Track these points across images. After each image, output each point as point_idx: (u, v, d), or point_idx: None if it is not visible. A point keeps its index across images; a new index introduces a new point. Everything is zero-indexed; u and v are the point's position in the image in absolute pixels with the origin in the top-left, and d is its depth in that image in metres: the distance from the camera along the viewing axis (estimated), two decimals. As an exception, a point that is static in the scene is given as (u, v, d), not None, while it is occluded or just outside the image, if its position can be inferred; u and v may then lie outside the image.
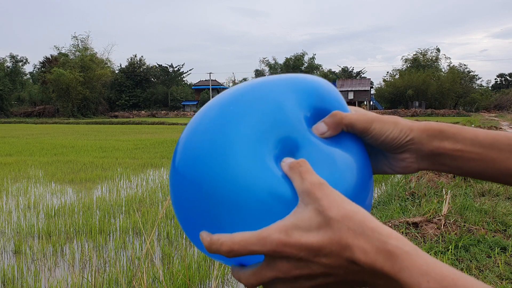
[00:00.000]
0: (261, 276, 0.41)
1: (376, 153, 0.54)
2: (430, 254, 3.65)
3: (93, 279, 3.07)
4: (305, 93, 0.49)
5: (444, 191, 5.47)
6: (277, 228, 0.39)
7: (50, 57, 59.22)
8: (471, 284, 0.35)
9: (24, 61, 59.90)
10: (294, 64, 68.84)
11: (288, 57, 70.09)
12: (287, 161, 0.44)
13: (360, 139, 0.50)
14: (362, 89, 61.13)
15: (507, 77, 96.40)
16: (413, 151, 0.51)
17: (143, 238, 4.49)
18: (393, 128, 0.50)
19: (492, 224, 4.41)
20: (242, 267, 0.43)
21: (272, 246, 0.39)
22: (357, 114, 0.50)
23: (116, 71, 65.41)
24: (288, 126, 0.46)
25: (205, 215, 0.44)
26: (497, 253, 3.65)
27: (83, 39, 56.01)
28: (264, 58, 76.07)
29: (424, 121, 0.51)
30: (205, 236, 0.42)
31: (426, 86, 60.00)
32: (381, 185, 7.30)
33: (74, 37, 56.66)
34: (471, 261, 3.53)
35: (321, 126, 0.48)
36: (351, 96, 60.20)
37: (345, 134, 0.49)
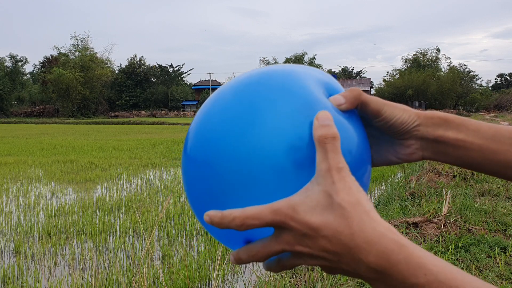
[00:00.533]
0: (270, 248, 0.42)
1: (381, 143, 0.55)
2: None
3: (93, 279, 3.07)
4: (323, 78, 0.52)
5: (444, 191, 5.47)
6: (287, 202, 0.41)
7: (50, 57, 59.21)
8: (469, 280, 0.35)
9: (24, 61, 59.87)
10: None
11: (288, 57, 70.07)
12: (321, 121, 0.44)
13: (362, 124, 0.52)
14: (362, 89, 60.23)
15: (507, 77, 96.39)
16: (418, 138, 0.52)
17: (143, 238, 4.49)
18: (402, 113, 0.51)
19: (492, 224, 4.41)
20: (249, 245, 0.44)
21: (281, 217, 0.40)
22: (371, 96, 0.51)
23: (116, 71, 65.40)
24: (311, 97, 0.47)
25: (217, 195, 0.46)
26: (497, 253, 3.65)
27: (83, 39, 55.95)
28: (264, 58, 76.05)
29: (430, 111, 0.52)
30: (213, 213, 0.42)
31: (426, 86, 59.98)
32: (381, 185, 7.30)
33: (73, 37, 56.60)
34: (471, 261, 3.53)
35: (339, 98, 0.49)
36: (351, 96, 60.18)
37: (355, 117, 0.51)
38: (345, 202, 0.39)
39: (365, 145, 0.51)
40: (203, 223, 0.51)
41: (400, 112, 0.51)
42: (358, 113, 0.52)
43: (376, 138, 0.55)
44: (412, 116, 0.51)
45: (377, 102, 0.51)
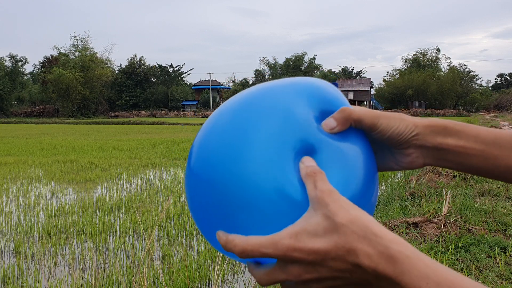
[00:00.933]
0: (273, 277, 0.42)
1: (382, 150, 0.55)
2: (430, 254, 3.65)
3: (93, 279, 3.07)
4: (312, 96, 0.51)
5: (444, 191, 5.47)
6: (288, 233, 0.41)
7: (50, 57, 59.18)
8: (468, 285, 0.36)
9: (24, 61, 59.84)
10: (294, 64, 68.80)
11: (288, 58, 70.03)
12: (306, 163, 0.46)
13: (365, 136, 0.52)
14: (362, 89, 61.11)
15: (507, 77, 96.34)
16: (417, 146, 0.52)
17: (143, 238, 4.49)
18: (399, 124, 0.51)
19: (492, 224, 4.41)
20: (256, 266, 0.45)
21: (283, 251, 0.40)
22: (364, 110, 0.51)
23: (116, 71, 65.38)
24: (300, 128, 0.48)
25: (220, 214, 0.47)
26: (497, 253, 3.65)
27: (82, 39, 55.93)
28: (264, 58, 76.00)
29: (428, 118, 0.52)
30: (221, 235, 0.44)
31: (426, 86, 59.94)
32: (381, 185, 7.30)
33: (73, 37, 56.65)
34: (471, 261, 3.53)
35: (330, 122, 0.49)
36: (351, 96, 60.19)
37: (352, 131, 0.51)
38: (345, 220, 0.40)
39: (371, 158, 0.51)
40: (205, 235, 0.52)
41: (397, 123, 0.51)
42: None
43: (376, 146, 0.55)
44: (410, 126, 0.51)
45: (370, 116, 0.50)
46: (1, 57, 56.22)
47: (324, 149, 0.48)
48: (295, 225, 0.42)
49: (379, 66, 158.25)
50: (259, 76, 73.23)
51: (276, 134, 0.47)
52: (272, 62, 71.85)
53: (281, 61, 71.64)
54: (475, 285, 0.36)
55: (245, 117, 0.49)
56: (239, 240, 0.42)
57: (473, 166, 0.51)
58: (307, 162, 0.46)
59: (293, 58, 70.03)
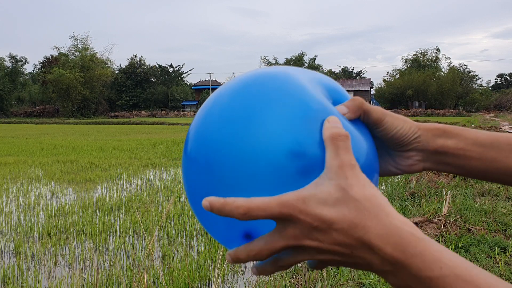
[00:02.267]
0: (274, 245, 0.41)
1: (382, 154, 0.55)
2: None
3: (93, 279, 3.07)
4: (327, 83, 0.52)
5: (444, 191, 5.48)
6: (296, 195, 0.40)
7: (50, 57, 59.22)
8: (483, 276, 0.35)
9: (24, 61, 59.86)
10: (295, 65, 68.89)
11: (289, 58, 70.12)
12: (332, 123, 0.44)
13: (371, 135, 0.52)
14: (362, 89, 61.15)
15: (507, 77, 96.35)
16: (419, 149, 0.53)
17: (143, 238, 4.49)
18: (403, 125, 0.52)
19: (492, 224, 4.41)
20: (250, 242, 0.43)
21: (289, 211, 0.39)
22: (373, 105, 0.52)
23: (116, 71, 65.40)
24: (318, 103, 0.47)
25: (220, 195, 0.44)
26: (497, 253, 3.65)
27: (82, 39, 55.96)
28: (264, 57, 76.04)
29: (429, 122, 0.53)
30: (215, 199, 0.40)
31: (426, 86, 59.97)
32: (381, 185, 7.30)
33: (72, 37, 56.68)
34: (471, 261, 3.53)
35: (342, 108, 0.50)
36: (351, 96, 60.17)
37: (361, 125, 0.51)
38: (360, 196, 0.39)
39: (374, 153, 0.51)
40: (201, 220, 0.50)
41: (401, 124, 0.52)
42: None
43: (377, 149, 0.54)
44: (413, 128, 0.52)
45: (378, 112, 0.51)
46: (1, 57, 56.25)
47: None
48: (304, 189, 0.41)
49: (379, 66, 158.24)
50: (259, 76, 73.07)
51: (292, 104, 0.45)
52: (273, 61, 71.96)
53: (281, 60, 71.77)
54: (488, 275, 0.35)
55: (254, 90, 0.47)
56: (242, 200, 0.40)
57: (473, 169, 0.52)
58: (333, 122, 0.44)
59: (293, 58, 70.12)
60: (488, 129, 19.74)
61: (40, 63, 62.34)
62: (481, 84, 77.47)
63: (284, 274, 3.15)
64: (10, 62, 58.53)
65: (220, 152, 0.45)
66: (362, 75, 78.87)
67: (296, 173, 0.43)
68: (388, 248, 0.37)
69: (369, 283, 3.02)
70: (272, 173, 0.43)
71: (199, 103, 68.19)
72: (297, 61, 69.36)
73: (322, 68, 73.48)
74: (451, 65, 66.74)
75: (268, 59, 72.75)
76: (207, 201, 0.41)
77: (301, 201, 0.39)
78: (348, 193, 0.39)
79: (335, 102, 0.51)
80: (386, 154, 0.55)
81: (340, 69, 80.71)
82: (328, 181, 0.40)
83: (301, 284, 3.08)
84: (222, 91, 0.51)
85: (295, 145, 0.43)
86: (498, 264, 3.44)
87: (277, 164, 0.43)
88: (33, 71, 70.78)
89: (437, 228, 4.22)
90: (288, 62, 69.91)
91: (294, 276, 3.24)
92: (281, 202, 0.39)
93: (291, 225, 0.40)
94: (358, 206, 0.39)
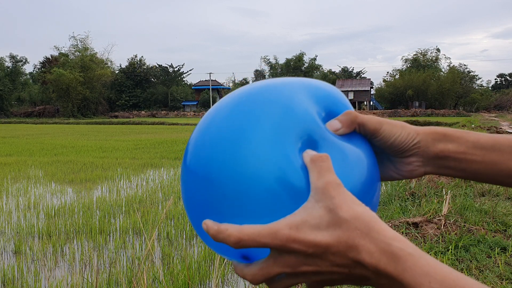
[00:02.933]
0: (268, 271, 0.41)
1: (382, 159, 0.55)
2: (430, 254, 3.65)
3: (93, 279, 3.07)
4: (319, 94, 0.52)
5: (444, 191, 5.48)
6: (287, 223, 0.40)
7: (50, 57, 59.24)
8: (470, 285, 0.36)
9: (24, 61, 59.85)
10: (295, 65, 68.97)
11: (289, 58, 70.24)
12: (310, 152, 0.45)
13: (369, 143, 0.52)
14: (362, 89, 61.12)
15: (507, 77, 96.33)
16: (419, 155, 0.52)
17: (143, 238, 4.49)
18: (401, 131, 0.51)
19: (492, 224, 4.41)
20: (247, 264, 0.44)
21: (282, 241, 0.39)
22: (369, 116, 0.51)
23: (116, 71, 65.39)
24: (304, 121, 0.47)
25: (214, 207, 0.46)
26: (497, 253, 3.65)
27: (82, 39, 55.97)
28: (265, 57, 76.11)
29: (428, 126, 0.53)
30: (211, 224, 0.42)
31: (426, 86, 59.95)
32: (382, 185, 7.30)
33: (72, 37, 56.72)
34: (471, 261, 3.53)
35: (335, 123, 0.50)
36: (351, 96, 60.20)
37: (357, 135, 0.51)
38: (349, 216, 0.39)
39: (374, 164, 0.51)
40: (199, 232, 0.50)
41: (399, 131, 0.51)
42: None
43: (377, 155, 0.55)
44: (412, 134, 0.51)
45: (374, 122, 0.50)
46: (1, 57, 56.25)
47: (328, 148, 0.47)
48: (294, 215, 0.40)
49: (379, 66, 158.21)
50: (259, 76, 73.38)
51: (278, 124, 0.46)
52: (273, 61, 72.07)
53: (282, 60, 71.85)
54: (477, 284, 0.36)
55: (245, 110, 0.48)
56: (234, 229, 0.40)
57: (475, 172, 0.51)
58: (311, 152, 0.45)
59: (294, 58, 70.20)
60: (488, 129, 19.72)
61: (40, 63, 62.40)
62: (481, 84, 77.50)
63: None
64: (10, 62, 58.55)
65: (215, 167, 0.46)
66: (362, 75, 78.81)
67: (287, 196, 0.43)
68: (381, 264, 0.38)
69: None
70: (264, 195, 0.43)
71: (199, 103, 68.22)
72: (297, 61, 69.37)
73: (322, 68, 73.52)
74: (451, 65, 66.83)
75: (269, 59, 72.83)
76: (205, 224, 0.42)
77: (294, 229, 0.39)
78: (337, 214, 0.39)
79: (331, 112, 0.51)
80: (386, 160, 0.55)
81: (340, 69, 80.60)
82: (316, 203, 0.40)
83: (301, 283, 3.07)
84: (222, 103, 0.52)
85: (281, 172, 0.43)
86: (498, 264, 3.43)
87: (267, 187, 0.43)
88: (33, 71, 70.79)
89: (437, 228, 4.22)
90: (288, 62, 69.95)
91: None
92: (272, 233, 0.39)
93: (285, 254, 0.40)
94: (349, 226, 0.39)
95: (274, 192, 0.43)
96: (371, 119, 0.50)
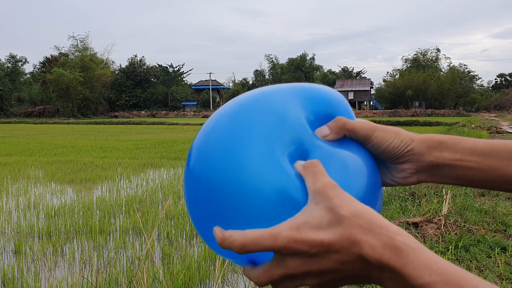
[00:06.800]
0: (271, 273, 0.42)
1: (379, 164, 0.55)
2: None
3: (93, 279, 3.07)
4: (313, 100, 0.52)
5: (444, 191, 5.47)
6: (288, 225, 0.41)
7: (50, 57, 59.23)
8: (470, 279, 0.36)
9: (24, 61, 59.86)
10: (299, 63, 69.39)
11: (292, 58, 70.65)
12: (301, 162, 0.46)
13: (367, 152, 0.52)
14: (362, 89, 61.12)
15: (507, 77, 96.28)
16: (413, 162, 0.52)
17: (143, 238, 4.49)
18: (394, 138, 0.51)
19: (492, 224, 4.41)
20: (252, 267, 0.45)
21: (283, 242, 0.40)
22: (360, 122, 0.51)
23: (116, 71, 65.38)
24: (297, 131, 0.48)
25: (218, 215, 0.46)
26: (497, 253, 3.65)
27: (82, 39, 55.97)
28: (268, 55, 76.26)
29: (425, 134, 0.52)
30: (218, 231, 0.44)
31: (426, 86, 59.96)
32: (381, 185, 7.30)
33: (72, 37, 56.70)
34: (471, 261, 3.53)
35: (324, 129, 0.50)
36: (351, 96, 60.20)
37: (354, 142, 0.51)
38: (349, 213, 0.40)
39: (374, 168, 0.51)
40: (204, 238, 0.51)
41: (392, 137, 0.51)
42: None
43: None
44: (405, 141, 0.51)
45: (365, 128, 0.50)
46: (1, 57, 56.29)
47: (320, 156, 0.48)
48: (295, 218, 0.41)
49: (380, 66, 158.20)
50: (259, 76, 73.43)
51: (270, 134, 0.47)
52: (275, 61, 72.33)
53: (283, 60, 72.19)
54: (476, 278, 0.36)
55: (241, 120, 0.49)
56: (237, 235, 0.41)
57: (472, 179, 0.51)
58: (301, 162, 0.46)
59: (298, 58, 70.54)
60: (488, 129, 19.67)
61: (40, 63, 62.42)
62: (482, 84, 77.54)
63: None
64: (10, 62, 58.52)
65: (217, 174, 0.47)
66: (362, 75, 78.80)
67: (286, 203, 0.44)
68: (384, 257, 0.38)
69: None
70: (263, 203, 0.44)
71: (199, 103, 68.22)
72: (302, 60, 69.82)
73: (322, 68, 73.60)
74: (451, 65, 66.85)
75: (272, 58, 73.03)
76: (214, 231, 0.44)
77: (295, 230, 0.40)
78: (338, 212, 0.40)
79: (328, 116, 0.51)
80: (382, 166, 0.54)
81: (340, 69, 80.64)
82: (316, 205, 0.41)
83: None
84: (223, 110, 0.53)
85: (276, 181, 0.44)
86: (498, 264, 3.43)
87: (265, 196, 0.44)
88: (33, 71, 70.80)
89: (437, 228, 4.22)
90: (291, 62, 70.27)
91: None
92: (273, 236, 0.40)
93: (288, 256, 0.40)
94: (351, 223, 0.39)
95: (272, 201, 0.44)
96: (362, 126, 0.50)
